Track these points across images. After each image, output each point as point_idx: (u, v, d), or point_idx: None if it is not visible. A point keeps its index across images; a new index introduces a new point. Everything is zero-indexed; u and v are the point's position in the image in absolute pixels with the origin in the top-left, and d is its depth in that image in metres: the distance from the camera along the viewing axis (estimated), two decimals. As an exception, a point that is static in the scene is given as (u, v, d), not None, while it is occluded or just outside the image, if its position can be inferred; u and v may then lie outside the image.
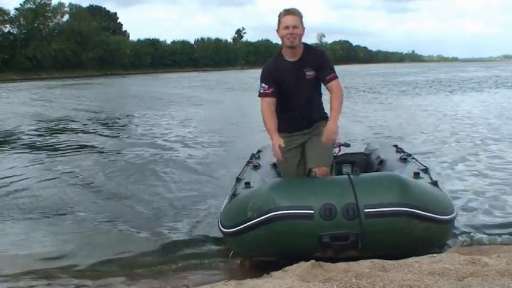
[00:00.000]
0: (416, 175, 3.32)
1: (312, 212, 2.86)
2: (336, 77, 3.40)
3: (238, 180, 3.67)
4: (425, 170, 3.52)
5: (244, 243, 3.06)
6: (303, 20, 3.42)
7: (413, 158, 4.03)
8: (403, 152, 4.31)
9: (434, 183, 3.27)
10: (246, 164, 4.23)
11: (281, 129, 3.39)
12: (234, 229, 3.09)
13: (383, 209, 2.84)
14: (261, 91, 3.43)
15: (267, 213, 2.90)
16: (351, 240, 2.81)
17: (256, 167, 4.00)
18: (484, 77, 34.41)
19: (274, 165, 4.10)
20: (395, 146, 4.64)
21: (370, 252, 2.80)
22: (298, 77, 3.39)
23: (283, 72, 3.40)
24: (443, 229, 3.08)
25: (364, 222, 2.81)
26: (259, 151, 4.61)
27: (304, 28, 3.40)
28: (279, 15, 3.43)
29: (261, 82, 3.46)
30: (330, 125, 3.28)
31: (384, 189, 2.92)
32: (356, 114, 12.58)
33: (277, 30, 3.42)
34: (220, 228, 3.29)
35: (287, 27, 3.33)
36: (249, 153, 4.67)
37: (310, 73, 3.39)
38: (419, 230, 2.91)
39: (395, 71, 55.07)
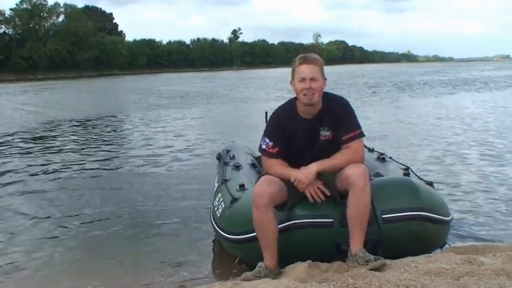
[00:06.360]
0: (406, 176, 3.31)
1: (332, 220, 2.86)
2: (356, 137, 2.77)
3: (225, 181, 3.55)
4: (407, 169, 3.51)
5: (256, 251, 2.90)
6: (323, 68, 2.76)
7: (390, 157, 3.99)
8: (375, 150, 4.20)
9: (430, 184, 3.27)
10: (225, 164, 4.04)
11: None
12: (243, 236, 2.99)
13: (399, 214, 2.85)
14: (263, 147, 2.85)
15: (285, 222, 2.86)
16: (369, 246, 2.80)
17: (237, 167, 3.88)
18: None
19: (253, 165, 4.10)
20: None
21: (384, 256, 2.78)
22: (311, 137, 2.83)
23: (294, 131, 2.82)
24: (447, 229, 3.12)
25: (383, 227, 2.83)
26: (228, 151, 4.42)
27: (325, 79, 2.78)
28: (293, 64, 2.78)
29: (264, 135, 2.87)
30: (310, 166, 2.71)
31: (399, 194, 2.93)
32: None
33: (291, 82, 2.80)
34: (222, 234, 3.17)
35: (303, 80, 2.70)
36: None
37: (326, 134, 2.82)
38: (431, 232, 2.94)
39: (415, 70, 53.76)
